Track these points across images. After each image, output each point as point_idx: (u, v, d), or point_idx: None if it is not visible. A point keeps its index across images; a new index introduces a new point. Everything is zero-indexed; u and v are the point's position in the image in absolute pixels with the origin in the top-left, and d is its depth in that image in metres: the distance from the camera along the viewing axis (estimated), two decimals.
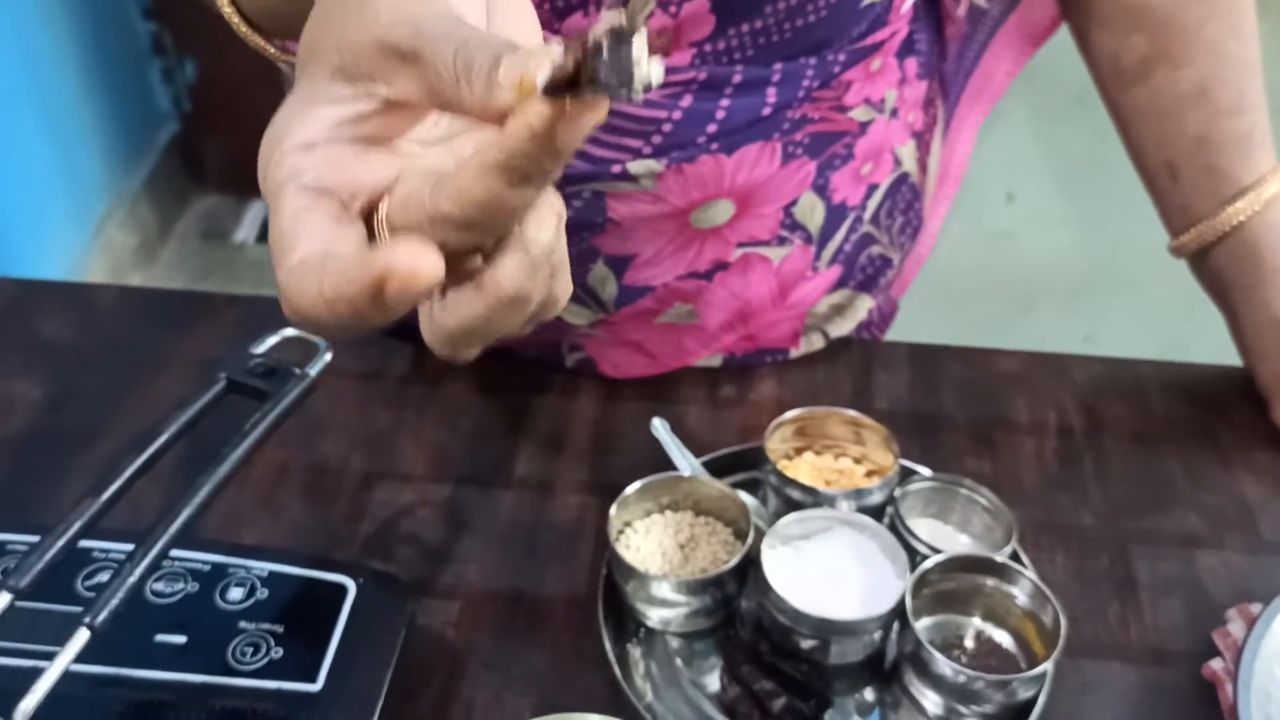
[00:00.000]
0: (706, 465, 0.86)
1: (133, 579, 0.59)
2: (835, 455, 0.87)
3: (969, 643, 0.77)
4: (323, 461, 0.90)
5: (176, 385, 0.94)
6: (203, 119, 2.84)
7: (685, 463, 0.85)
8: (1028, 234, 1.93)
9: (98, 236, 2.53)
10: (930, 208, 1.02)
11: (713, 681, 0.76)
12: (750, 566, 0.77)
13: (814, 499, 0.80)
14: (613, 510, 0.78)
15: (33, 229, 2.33)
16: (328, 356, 0.71)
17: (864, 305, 1.00)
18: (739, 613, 0.79)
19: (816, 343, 1.00)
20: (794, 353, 0.99)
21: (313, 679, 0.67)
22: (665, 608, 0.77)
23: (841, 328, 1.00)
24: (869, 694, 0.77)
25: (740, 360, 0.98)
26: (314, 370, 0.70)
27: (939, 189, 1.03)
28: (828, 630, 0.73)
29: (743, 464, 0.88)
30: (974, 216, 1.96)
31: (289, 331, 0.72)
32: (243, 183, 2.75)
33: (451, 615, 0.80)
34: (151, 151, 2.81)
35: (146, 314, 1.03)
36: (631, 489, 0.80)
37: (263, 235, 2.91)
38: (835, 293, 0.97)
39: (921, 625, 0.78)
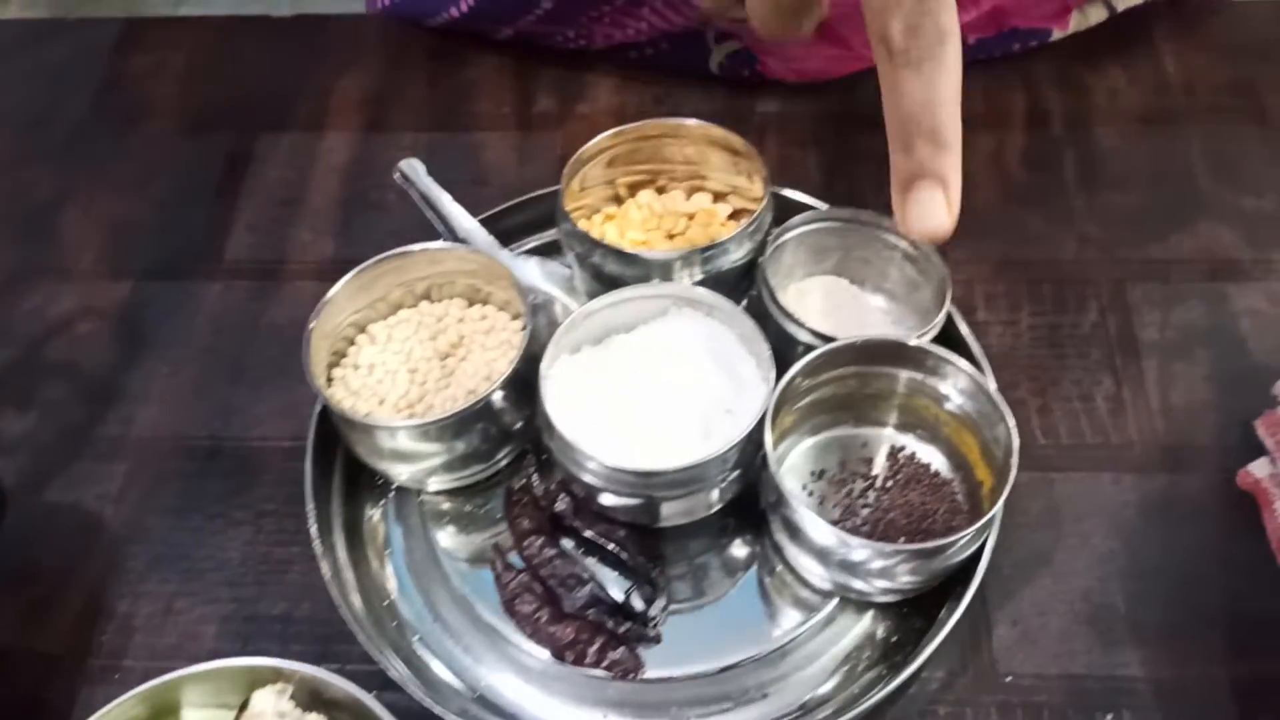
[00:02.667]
0: (493, 226, 0.57)
1: None
2: (688, 192, 0.58)
3: (878, 468, 0.51)
4: None
5: None
6: None
7: (447, 225, 0.56)
8: None
9: None
10: None
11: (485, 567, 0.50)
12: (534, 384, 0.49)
13: (635, 269, 0.52)
14: (312, 323, 0.50)
15: None
16: None
17: None
18: (535, 451, 0.52)
19: (1095, 17, 0.67)
20: (1057, 34, 0.67)
21: None
22: (404, 462, 0.50)
23: None
24: (735, 553, 0.51)
25: (981, 52, 0.66)
26: None
27: None
28: (647, 486, 0.46)
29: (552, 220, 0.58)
30: None
31: None
32: None
33: (112, 485, 0.54)
34: None
35: None
36: (351, 276, 0.51)
37: None
38: None
39: (801, 451, 0.51)
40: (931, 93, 0.39)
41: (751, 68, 0.67)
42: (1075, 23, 0.67)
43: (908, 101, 0.40)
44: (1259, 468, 0.51)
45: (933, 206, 0.40)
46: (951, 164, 0.40)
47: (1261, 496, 0.50)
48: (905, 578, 0.46)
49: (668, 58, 0.67)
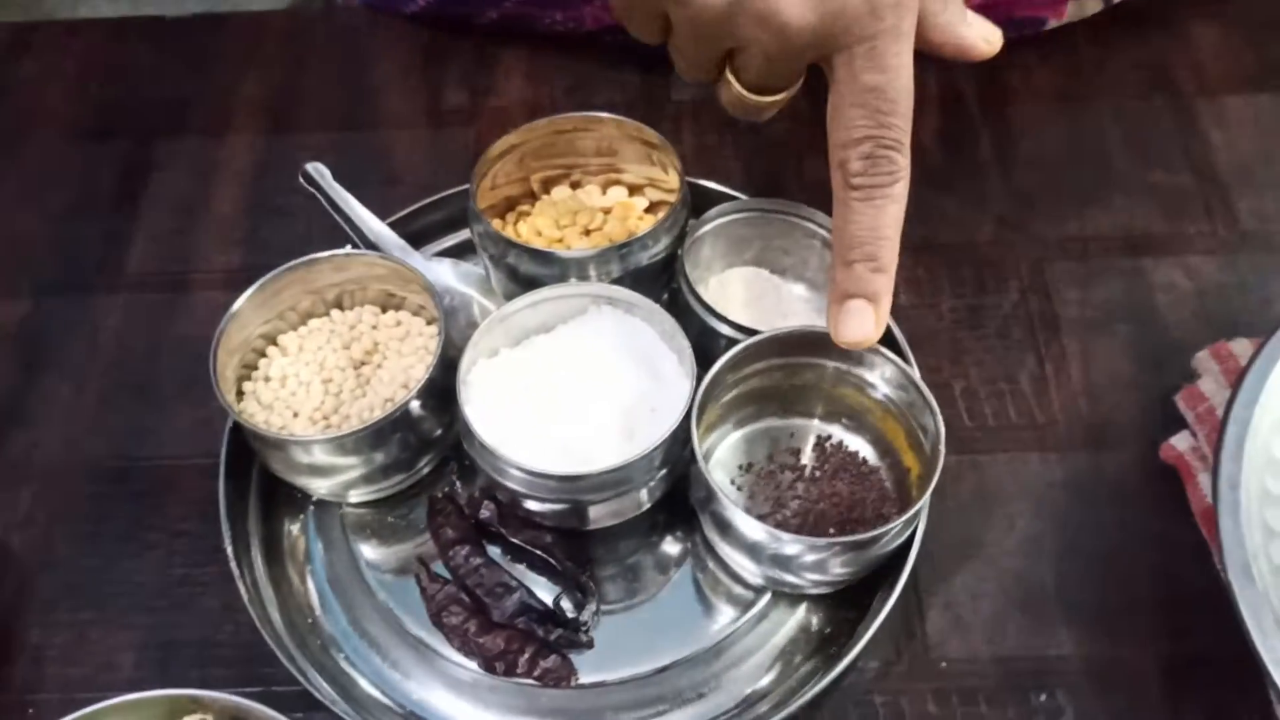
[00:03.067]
0: (405, 228, 0.55)
1: None
2: (603, 185, 0.57)
3: (806, 458, 0.50)
4: None
5: None
6: None
7: (356, 230, 0.54)
8: None
9: None
10: None
11: (411, 579, 0.49)
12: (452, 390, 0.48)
13: (551, 268, 0.51)
14: (217, 338, 0.48)
15: None
16: None
17: None
18: (457, 458, 0.51)
19: (1091, 8, 0.66)
20: (1052, 23, 0.66)
21: None
22: (322, 476, 0.48)
23: None
24: (666, 552, 0.50)
25: None
26: None
27: None
28: (573, 490, 0.46)
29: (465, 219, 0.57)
30: None
31: None
32: None
33: (19, 511, 0.52)
34: None
35: None
36: (255, 288, 0.49)
37: None
38: None
39: (729, 445, 0.50)
40: (877, 222, 0.43)
41: None
42: (1072, 12, 0.66)
43: (854, 227, 0.43)
44: (1181, 441, 0.51)
45: (861, 320, 0.44)
46: (885, 285, 0.44)
47: (1184, 470, 0.51)
48: (837, 569, 0.45)
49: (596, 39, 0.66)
